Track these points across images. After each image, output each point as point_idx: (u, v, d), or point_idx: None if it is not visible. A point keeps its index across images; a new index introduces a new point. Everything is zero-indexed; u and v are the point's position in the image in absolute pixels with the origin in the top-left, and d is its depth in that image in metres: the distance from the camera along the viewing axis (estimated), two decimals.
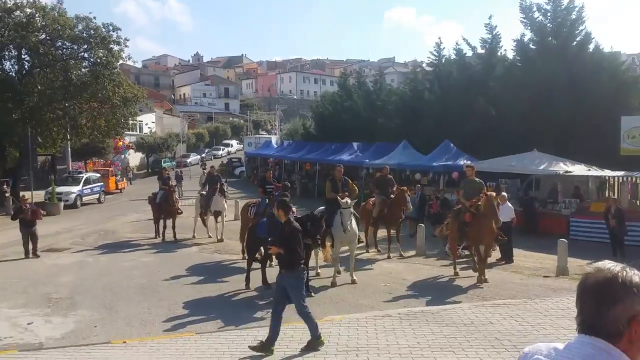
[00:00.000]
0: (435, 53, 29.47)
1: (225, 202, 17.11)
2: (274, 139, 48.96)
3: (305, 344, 6.48)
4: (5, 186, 27.59)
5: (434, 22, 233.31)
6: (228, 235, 16.49)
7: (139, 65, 78.55)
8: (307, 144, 35.46)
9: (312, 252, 11.33)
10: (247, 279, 10.60)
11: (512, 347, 6.34)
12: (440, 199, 16.97)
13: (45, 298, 9.75)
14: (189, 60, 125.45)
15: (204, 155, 60.48)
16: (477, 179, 11.41)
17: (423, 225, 14.68)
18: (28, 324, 8.16)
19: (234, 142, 69.94)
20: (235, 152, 63.52)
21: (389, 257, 13.52)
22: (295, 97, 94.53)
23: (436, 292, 10.08)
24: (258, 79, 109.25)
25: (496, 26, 26.00)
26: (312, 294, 9.64)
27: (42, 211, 15.88)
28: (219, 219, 16.42)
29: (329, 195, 11.36)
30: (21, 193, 28.11)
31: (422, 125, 26.36)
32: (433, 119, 25.97)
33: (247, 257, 11.14)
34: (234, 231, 17.31)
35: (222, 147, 66.06)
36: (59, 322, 8.29)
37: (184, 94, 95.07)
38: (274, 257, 11.21)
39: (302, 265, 7.03)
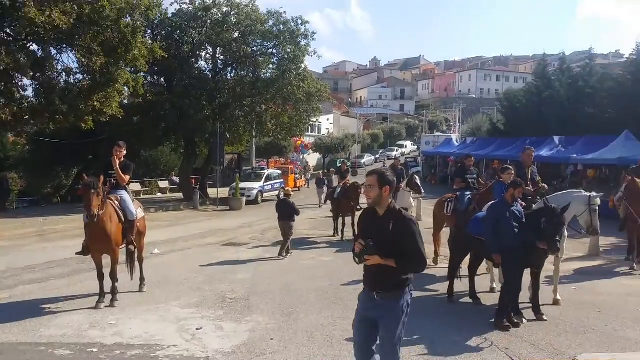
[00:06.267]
0: None
1: (413, 199, 15.02)
2: (455, 137, 45.81)
3: None
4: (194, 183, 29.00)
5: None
6: None
7: (319, 71, 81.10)
8: (494, 140, 31.98)
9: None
10: (451, 289, 8.38)
11: None
12: None
13: (219, 297, 8.56)
14: (366, 65, 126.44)
15: (378, 156, 59.74)
16: None
17: None
18: (197, 329, 6.87)
19: (408, 142, 69.04)
20: (409, 153, 61.67)
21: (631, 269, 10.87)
22: (474, 96, 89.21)
23: None
24: (435, 80, 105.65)
25: None
26: (525, 319, 7.13)
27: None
28: None
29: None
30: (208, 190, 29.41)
31: None
32: None
33: (450, 262, 8.83)
34: None
35: (396, 148, 64.59)
36: (231, 330, 6.88)
37: (361, 97, 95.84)
38: (486, 263, 8.90)
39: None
